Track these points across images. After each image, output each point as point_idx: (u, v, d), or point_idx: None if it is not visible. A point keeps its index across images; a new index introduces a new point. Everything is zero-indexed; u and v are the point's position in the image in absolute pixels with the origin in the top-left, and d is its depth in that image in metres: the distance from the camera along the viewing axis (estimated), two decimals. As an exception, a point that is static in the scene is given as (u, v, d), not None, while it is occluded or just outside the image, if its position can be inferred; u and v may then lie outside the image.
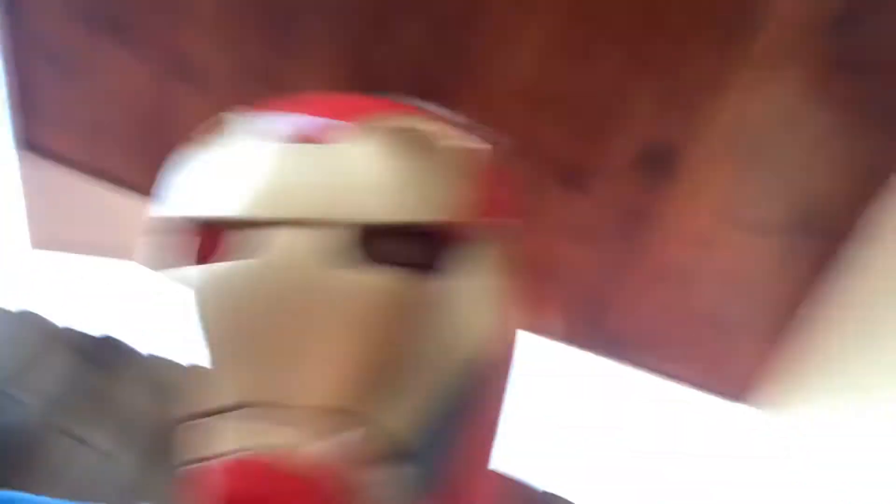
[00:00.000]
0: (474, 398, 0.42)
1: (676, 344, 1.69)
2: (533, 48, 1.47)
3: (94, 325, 1.43)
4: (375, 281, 0.37)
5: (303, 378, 0.34)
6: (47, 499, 0.44)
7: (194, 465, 0.34)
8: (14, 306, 1.42)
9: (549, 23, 1.43)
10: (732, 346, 1.67)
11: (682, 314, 1.66)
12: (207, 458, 0.34)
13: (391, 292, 0.37)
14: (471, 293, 0.42)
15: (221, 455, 0.34)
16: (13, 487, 1.22)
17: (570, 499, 1.41)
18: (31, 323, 1.39)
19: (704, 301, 1.63)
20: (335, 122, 0.43)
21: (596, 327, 1.71)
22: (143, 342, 1.42)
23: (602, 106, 1.50)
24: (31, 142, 1.86)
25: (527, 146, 1.58)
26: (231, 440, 0.34)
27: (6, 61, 1.74)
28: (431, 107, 0.48)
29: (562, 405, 1.80)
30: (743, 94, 1.40)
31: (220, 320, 0.38)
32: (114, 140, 1.81)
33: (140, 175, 1.84)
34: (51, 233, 1.97)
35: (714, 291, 1.62)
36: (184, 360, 1.38)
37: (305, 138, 0.42)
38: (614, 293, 1.67)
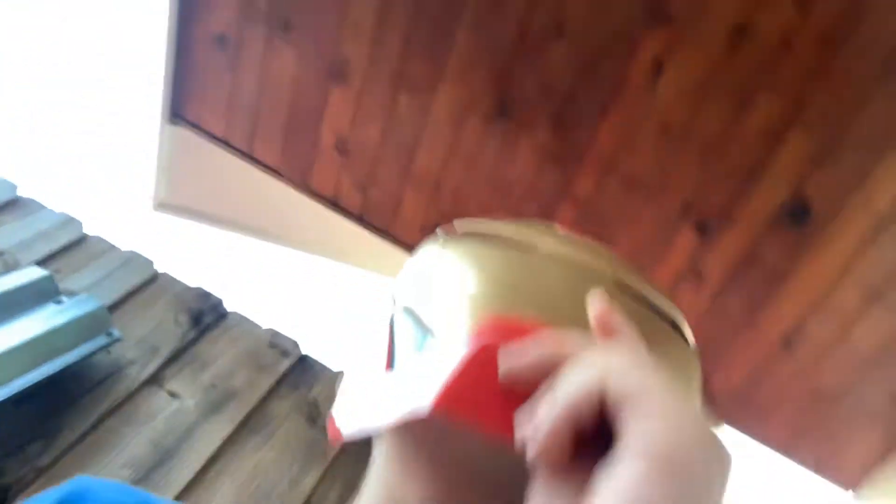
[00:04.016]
0: None
1: (788, 416, 1.57)
2: (685, 84, 1.45)
3: (198, 285, 1.47)
4: None
5: None
6: (120, 484, 0.43)
7: None
8: (125, 247, 1.48)
9: (706, 60, 1.41)
10: (850, 432, 1.53)
11: (800, 386, 1.54)
12: None
13: None
14: None
15: None
16: (101, 426, 1.26)
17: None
18: (138, 266, 1.45)
19: (829, 378, 1.51)
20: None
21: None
22: (239, 306, 1.46)
23: (749, 154, 1.45)
24: (183, 115, 1.99)
25: (662, 186, 1.54)
26: None
27: (177, 43, 1.88)
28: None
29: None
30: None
31: None
32: (265, 126, 1.91)
33: (282, 160, 1.94)
34: (178, 198, 2.08)
35: (841, 370, 1.50)
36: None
37: None
38: (728, 350, 1.58)
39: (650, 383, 0.28)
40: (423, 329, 0.39)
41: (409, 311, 0.41)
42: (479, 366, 0.32)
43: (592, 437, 0.29)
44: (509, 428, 0.30)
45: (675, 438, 0.26)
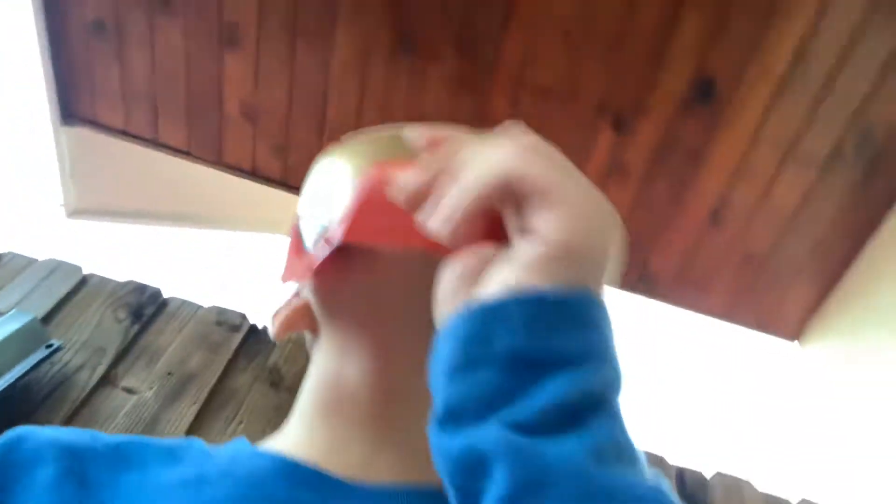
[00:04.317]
0: None
1: (726, 284, 1.65)
2: (576, -15, 1.45)
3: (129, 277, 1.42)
4: None
5: None
6: (60, 428, 0.43)
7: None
8: (43, 257, 1.42)
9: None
10: (784, 287, 1.62)
11: (733, 254, 1.62)
12: None
13: None
14: None
15: None
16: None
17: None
18: (64, 273, 1.40)
19: (758, 241, 1.59)
20: None
21: (641, 269, 1.67)
22: (176, 292, 1.42)
23: (649, 43, 1.47)
24: (76, 113, 1.89)
25: (573, 91, 1.56)
26: None
27: (49, 38, 1.76)
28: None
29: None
30: (804, 22, 1.36)
31: None
32: (165, 108, 1.83)
33: (191, 141, 1.87)
34: (90, 202, 1.99)
35: (768, 231, 1.58)
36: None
37: None
38: (661, 234, 1.64)
39: (560, 172, 0.28)
40: (324, 223, 0.41)
41: (312, 217, 0.43)
42: (376, 193, 0.34)
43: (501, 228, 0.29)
44: (417, 236, 0.31)
45: (580, 226, 0.27)
